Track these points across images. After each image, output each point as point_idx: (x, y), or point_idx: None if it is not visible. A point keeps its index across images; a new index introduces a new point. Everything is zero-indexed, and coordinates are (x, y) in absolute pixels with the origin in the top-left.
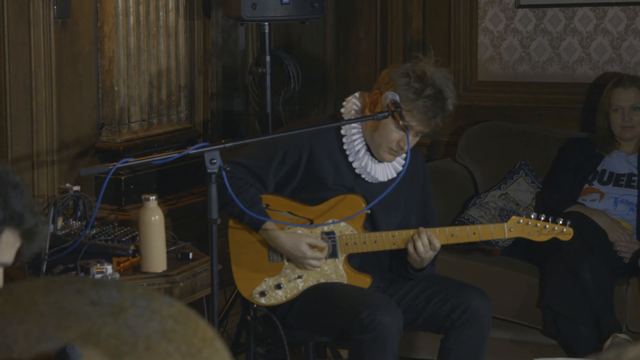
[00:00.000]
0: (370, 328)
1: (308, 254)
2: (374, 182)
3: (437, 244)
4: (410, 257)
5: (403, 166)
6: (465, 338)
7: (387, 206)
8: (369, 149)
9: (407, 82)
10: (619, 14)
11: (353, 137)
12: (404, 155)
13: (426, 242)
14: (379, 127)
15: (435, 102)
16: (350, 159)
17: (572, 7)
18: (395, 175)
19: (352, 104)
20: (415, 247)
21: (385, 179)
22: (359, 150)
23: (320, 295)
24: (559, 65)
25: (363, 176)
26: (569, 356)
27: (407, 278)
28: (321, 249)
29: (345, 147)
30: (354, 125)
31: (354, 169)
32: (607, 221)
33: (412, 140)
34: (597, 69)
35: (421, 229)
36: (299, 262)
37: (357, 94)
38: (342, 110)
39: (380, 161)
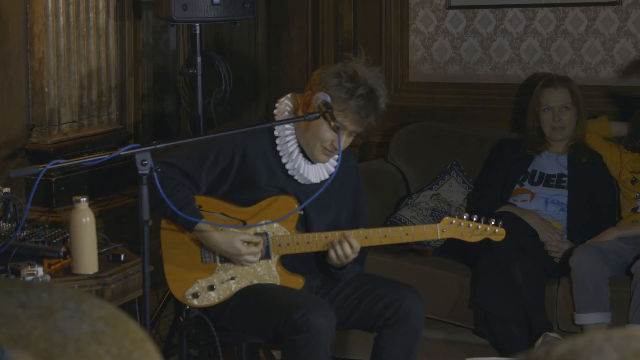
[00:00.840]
0: (304, 329)
1: (243, 251)
2: (306, 183)
3: (355, 243)
4: (330, 259)
5: (335, 167)
6: (398, 336)
7: (318, 206)
8: (302, 151)
9: (339, 82)
10: (549, 15)
11: (286, 139)
12: (336, 156)
13: (348, 250)
14: (310, 127)
15: (367, 102)
16: (284, 161)
17: (502, 8)
18: (327, 176)
19: (284, 105)
20: (336, 253)
21: (318, 181)
22: (292, 152)
23: (253, 297)
24: (489, 66)
25: (296, 178)
26: (500, 355)
27: (336, 278)
28: (256, 244)
29: (278, 148)
30: (287, 126)
31: (287, 170)
32: (537, 221)
33: (346, 140)
34: (528, 70)
35: (346, 232)
36: (234, 259)
37: (289, 95)
38: (275, 111)
39: (313, 162)
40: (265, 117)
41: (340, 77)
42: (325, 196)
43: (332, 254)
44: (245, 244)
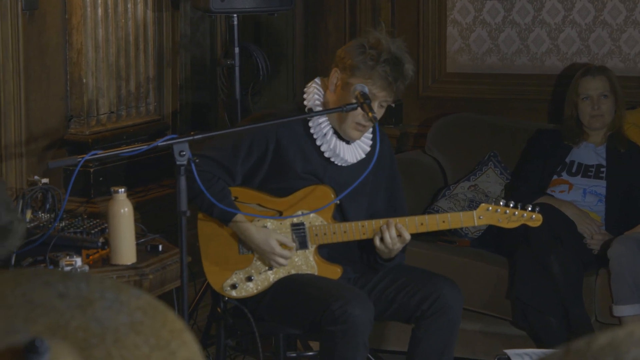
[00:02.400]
0: (342, 320)
1: (277, 250)
2: (343, 164)
3: (407, 236)
4: (378, 248)
5: (371, 147)
6: (435, 328)
7: (354, 193)
8: (335, 132)
9: (362, 51)
10: (587, 5)
11: (319, 121)
12: (371, 136)
13: (394, 234)
14: (341, 105)
15: (393, 67)
16: (318, 143)
17: None
18: (363, 155)
19: (313, 89)
20: (382, 239)
21: (355, 160)
22: (326, 133)
23: (291, 287)
24: (527, 57)
25: (332, 159)
26: (538, 347)
27: (375, 269)
28: (289, 248)
29: (312, 131)
30: (318, 108)
31: (323, 152)
32: (575, 212)
33: (378, 111)
34: (566, 60)
35: (390, 220)
36: (266, 257)
37: (317, 80)
38: (304, 95)
39: (348, 142)
40: (297, 103)
41: (363, 47)
42: (360, 182)
43: (377, 241)
44: (280, 244)
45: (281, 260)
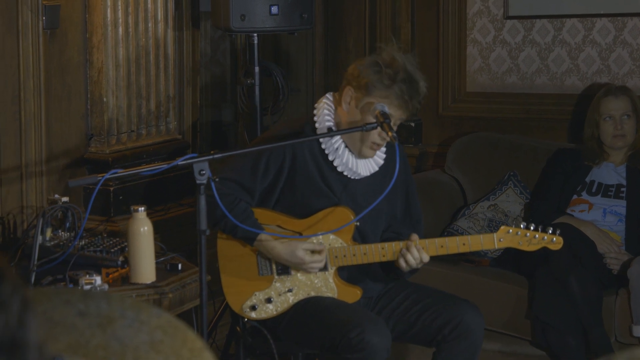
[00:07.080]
0: (359, 348)
1: (306, 259)
2: (356, 177)
3: (426, 258)
4: (401, 268)
5: (384, 160)
6: (456, 352)
7: (372, 208)
8: (346, 146)
9: (378, 70)
10: (607, 25)
11: (332, 139)
12: (384, 149)
13: (417, 255)
14: (356, 124)
15: (409, 85)
16: (330, 158)
17: (560, 18)
18: (376, 168)
19: (324, 105)
20: (406, 262)
21: (368, 173)
22: (337, 148)
23: (310, 311)
24: (547, 76)
25: (345, 173)
26: None
27: (396, 279)
28: (319, 252)
29: (323, 146)
30: (328, 122)
31: (336, 167)
32: (595, 232)
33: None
34: (586, 80)
35: (409, 243)
36: (300, 268)
37: (328, 95)
38: (315, 112)
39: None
40: (309, 118)
41: (379, 66)
42: (376, 193)
43: (402, 263)
44: (309, 252)
45: (315, 266)
